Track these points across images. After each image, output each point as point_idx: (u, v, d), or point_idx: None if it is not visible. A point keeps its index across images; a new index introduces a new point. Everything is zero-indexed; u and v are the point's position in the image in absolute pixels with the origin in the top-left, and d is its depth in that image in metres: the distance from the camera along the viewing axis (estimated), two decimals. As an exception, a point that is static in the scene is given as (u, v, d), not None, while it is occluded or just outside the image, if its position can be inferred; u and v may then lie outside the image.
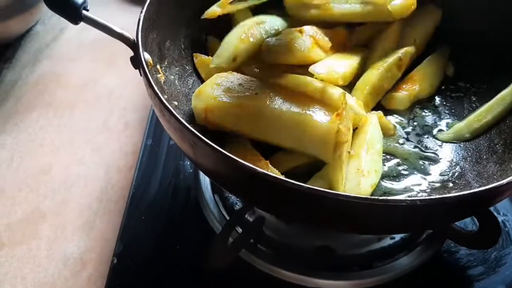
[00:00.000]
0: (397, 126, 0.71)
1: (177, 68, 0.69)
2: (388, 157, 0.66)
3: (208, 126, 0.62)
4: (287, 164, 0.61)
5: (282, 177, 0.45)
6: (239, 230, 0.67)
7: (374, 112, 0.69)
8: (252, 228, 0.66)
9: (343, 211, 0.45)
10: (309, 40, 0.66)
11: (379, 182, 0.61)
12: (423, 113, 0.73)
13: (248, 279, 0.65)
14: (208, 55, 0.74)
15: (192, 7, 0.71)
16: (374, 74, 0.70)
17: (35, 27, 1.13)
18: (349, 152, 0.60)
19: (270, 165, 0.59)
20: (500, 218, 0.73)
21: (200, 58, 0.73)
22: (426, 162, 0.66)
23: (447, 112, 0.73)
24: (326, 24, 0.73)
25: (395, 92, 0.72)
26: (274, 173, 0.57)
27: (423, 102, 0.74)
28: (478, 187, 0.50)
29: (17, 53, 1.06)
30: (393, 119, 0.71)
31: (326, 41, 0.69)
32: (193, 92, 0.67)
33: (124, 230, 0.70)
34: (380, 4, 0.70)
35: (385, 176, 0.63)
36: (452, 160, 0.66)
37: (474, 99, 0.73)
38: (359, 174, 0.59)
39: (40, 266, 0.70)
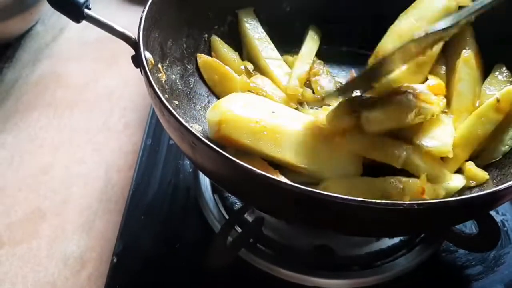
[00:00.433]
0: None
1: (178, 68, 0.69)
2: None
3: (221, 141, 0.60)
4: (298, 177, 0.60)
5: (282, 179, 0.45)
6: (239, 229, 0.67)
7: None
8: (252, 227, 0.66)
9: (341, 213, 0.45)
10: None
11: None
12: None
13: (248, 278, 0.65)
14: (210, 56, 0.74)
15: (194, 6, 0.71)
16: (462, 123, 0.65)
17: (35, 26, 1.13)
18: None
19: (280, 174, 0.58)
20: (499, 218, 0.73)
21: (203, 59, 0.73)
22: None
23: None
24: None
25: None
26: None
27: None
28: (478, 192, 0.51)
29: (17, 52, 1.06)
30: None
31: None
32: (194, 92, 0.67)
33: (124, 230, 0.70)
34: None
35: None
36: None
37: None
38: None
39: (40, 265, 0.70)
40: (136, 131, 0.90)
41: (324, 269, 0.64)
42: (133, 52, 0.59)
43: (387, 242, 0.69)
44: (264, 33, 0.77)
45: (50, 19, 1.16)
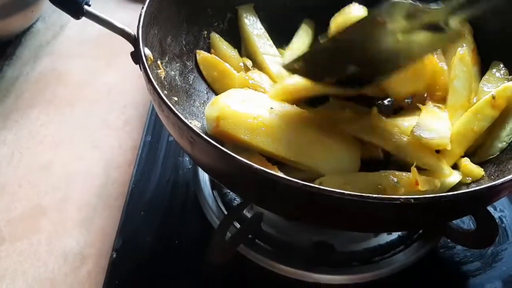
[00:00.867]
0: None
1: (178, 64, 0.69)
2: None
3: (219, 137, 0.61)
4: (297, 173, 0.60)
5: (279, 174, 0.45)
6: (238, 225, 0.67)
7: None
8: (250, 223, 0.66)
9: (338, 209, 0.45)
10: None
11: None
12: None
13: (247, 274, 0.65)
14: (210, 52, 0.74)
15: (194, 3, 0.71)
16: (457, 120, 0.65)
17: (35, 24, 1.13)
18: None
19: (278, 170, 0.58)
20: (497, 214, 0.73)
21: (202, 55, 0.73)
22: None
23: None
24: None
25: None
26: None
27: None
28: (475, 187, 0.51)
29: (17, 50, 1.07)
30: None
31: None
32: (193, 88, 0.67)
33: (123, 226, 0.70)
34: None
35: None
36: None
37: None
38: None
39: (40, 261, 0.70)
40: (136, 128, 0.90)
41: (324, 265, 0.65)
42: (132, 49, 0.59)
43: (386, 238, 0.69)
44: (263, 30, 0.77)
45: (51, 17, 1.16)
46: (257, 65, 0.75)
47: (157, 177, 0.77)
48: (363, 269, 0.65)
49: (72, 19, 0.60)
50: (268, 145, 0.60)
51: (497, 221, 0.63)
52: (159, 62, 0.64)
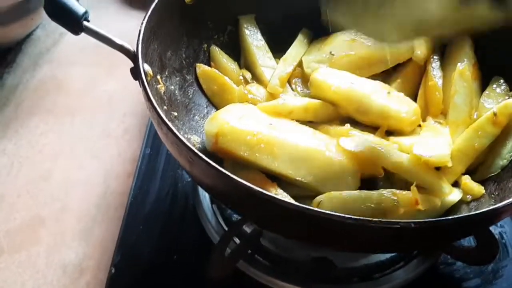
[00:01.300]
0: None
1: (177, 78, 0.69)
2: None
3: (218, 154, 0.61)
4: (296, 189, 0.60)
5: (280, 194, 0.45)
6: (237, 240, 0.67)
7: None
8: (250, 238, 0.66)
9: (337, 231, 0.45)
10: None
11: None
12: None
13: (246, 290, 0.65)
14: (210, 65, 0.74)
15: (194, 16, 0.71)
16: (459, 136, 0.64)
17: (35, 31, 1.13)
18: None
19: (277, 187, 0.59)
20: (497, 230, 0.73)
21: (202, 69, 0.73)
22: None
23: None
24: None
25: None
26: (282, 195, 0.57)
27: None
28: (475, 205, 0.51)
29: (17, 57, 1.06)
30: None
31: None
32: (193, 102, 0.67)
33: (122, 240, 0.70)
34: None
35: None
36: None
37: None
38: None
39: (39, 273, 0.70)
40: (136, 137, 0.90)
41: (323, 281, 0.65)
42: (132, 64, 0.59)
43: (386, 254, 0.68)
44: (263, 41, 0.77)
45: (51, 24, 1.15)
46: (256, 77, 0.75)
47: (156, 190, 0.76)
48: (362, 286, 0.65)
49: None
50: (267, 162, 0.59)
51: (497, 237, 0.63)
52: (158, 77, 0.64)
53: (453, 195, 0.60)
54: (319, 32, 0.78)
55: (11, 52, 1.07)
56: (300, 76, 0.75)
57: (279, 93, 0.71)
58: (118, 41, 0.59)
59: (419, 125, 0.68)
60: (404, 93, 0.69)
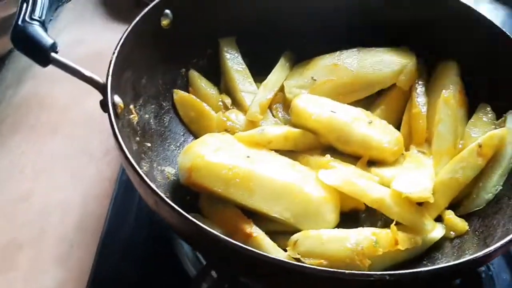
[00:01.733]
0: None
1: (153, 106, 0.67)
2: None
3: (192, 188, 0.59)
4: (272, 224, 0.58)
5: (243, 245, 0.43)
6: (214, 274, 0.65)
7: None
8: (227, 274, 0.64)
9: (309, 281, 0.44)
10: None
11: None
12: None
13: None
14: (188, 90, 0.72)
15: (171, 40, 0.68)
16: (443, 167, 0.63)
17: (19, 45, 1.11)
18: None
19: (253, 224, 0.57)
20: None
21: (180, 94, 0.71)
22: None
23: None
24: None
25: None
26: (257, 232, 0.56)
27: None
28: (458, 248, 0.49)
29: (1, 72, 1.05)
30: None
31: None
32: (169, 131, 0.65)
33: (96, 273, 0.68)
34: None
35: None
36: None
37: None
38: None
39: (16, 298, 0.69)
40: (116, 157, 0.88)
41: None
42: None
43: None
44: (244, 65, 0.75)
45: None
46: (236, 102, 0.73)
47: (132, 219, 0.74)
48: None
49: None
50: (243, 198, 0.57)
51: (483, 269, 0.62)
52: (131, 106, 0.61)
53: (436, 232, 0.58)
54: (302, 53, 0.76)
55: (-5, 67, 1.05)
56: (282, 101, 0.73)
57: (259, 120, 0.69)
58: (87, 73, 0.57)
59: (402, 154, 0.66)
60: (388, 120, 0.68)
